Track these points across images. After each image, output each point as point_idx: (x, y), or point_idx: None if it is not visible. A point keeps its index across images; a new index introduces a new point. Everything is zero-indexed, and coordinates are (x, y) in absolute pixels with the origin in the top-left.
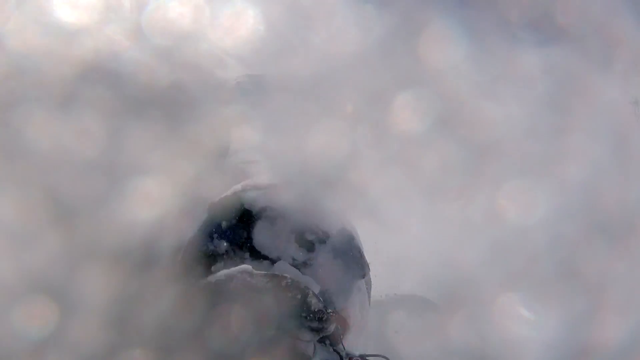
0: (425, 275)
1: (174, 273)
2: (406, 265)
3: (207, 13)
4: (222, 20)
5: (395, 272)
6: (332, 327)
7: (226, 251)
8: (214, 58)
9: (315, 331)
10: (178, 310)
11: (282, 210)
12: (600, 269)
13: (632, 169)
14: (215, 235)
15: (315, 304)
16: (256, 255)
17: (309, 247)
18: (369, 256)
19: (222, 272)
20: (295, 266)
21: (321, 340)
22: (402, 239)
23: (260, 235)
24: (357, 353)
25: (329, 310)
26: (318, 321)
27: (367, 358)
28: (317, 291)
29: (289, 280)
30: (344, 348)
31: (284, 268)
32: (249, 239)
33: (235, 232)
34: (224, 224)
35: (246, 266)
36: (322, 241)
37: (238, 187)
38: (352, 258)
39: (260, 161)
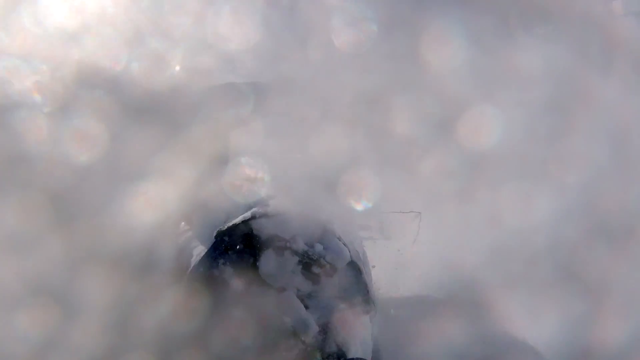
0: (426, 278)
1: (176, 292)
2: (407, 268)
3: (206, 17)
4: (221, 24)
5: (397, 275)
6: None
7: (232, 277)
8: (213, 62)
9: None
10: (177, 316)
11: (290, 240)
12: (600, 271)
13: (632, 171)
14: (221, 261)
15: None
16: (262, 283)
17: (315, 280)
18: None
19: None
20: (300, 297)
21: None
22: (403, 242)
23: (267, 264)
24: None
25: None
26: None
27: None
28: (315, 331)
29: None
30: None
31: (289, 299)
32: (256, 267)
33: (242, 259)
34: (231, 251)
35: None
36: (329, 275)
37: (247, 214)
38: (357, 294)
39: (260, 171)
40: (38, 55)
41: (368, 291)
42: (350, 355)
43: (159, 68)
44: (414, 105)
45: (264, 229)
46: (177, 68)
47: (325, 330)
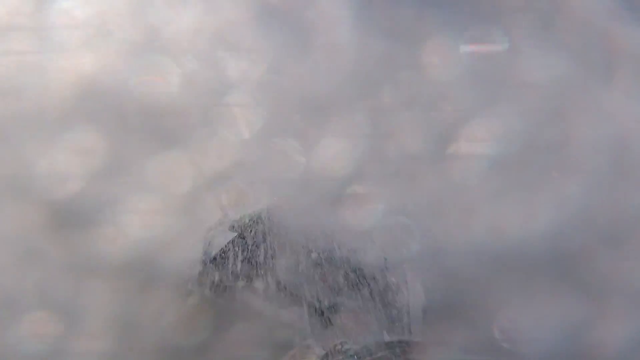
0: (429, 285)
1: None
2: (409, 278)
3: (206, 33)
4: (221, 39)
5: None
6: None
7: (248, 276)
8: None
9: None
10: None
11: (309, 248)
12: (601, 277)
13: (632, 178)
14: (240, 257)
15: None
16: (279, 290)
17: (334, 282)
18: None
19: None
20: (321, 309)
21: None
22: (406, 251)
23: (285, 271)
24: None
25: None
26: None
27: None
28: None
29: None
30: None
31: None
32: (274, 275)
33: (257, 257)
34: (246, 249)
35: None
36: (353, 285)
37: (262, 206)
38: (385, 310)
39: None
40: (36, 68)
41: (392, 291)
42: None
43: (158, 83)
44: (415, 114)
45: (281, 234)
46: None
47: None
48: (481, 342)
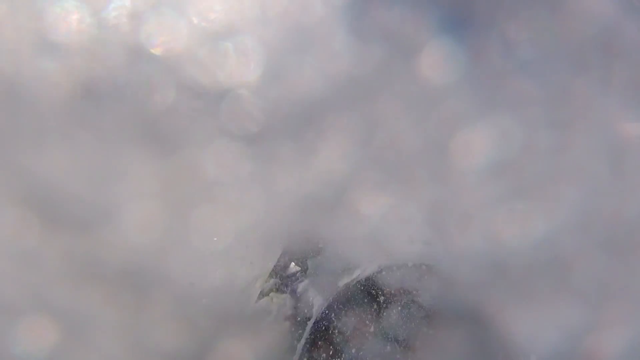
0: (428, 291)
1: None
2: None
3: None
4: (220, 46)
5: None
6: None
7: (354, 329)
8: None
9: None
10: None
11: (415, 295)
12: (600, 284)
13: (631, 185)
14: (344, 312)
15: None
16: (385, 336)
17: (436, 329)
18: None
19: None
20: (416, 347)
21: None
22: (402, 260)
23: (392, 318)
24: None
25: None
26: None
27: None
28: None
29: None
30: None
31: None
32: (379, 319)
33: (366, 311)
34: (355, 304)
35: None
36: (451, 327)
37: (375, 266)
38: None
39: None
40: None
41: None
42: None
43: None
44: (412, 121)
45: (389, 281)
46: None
47: None
48: (480, 348)
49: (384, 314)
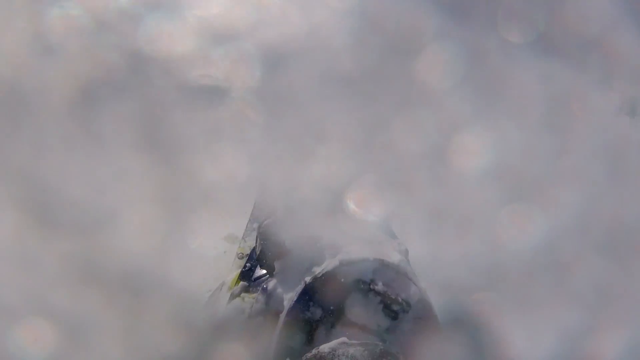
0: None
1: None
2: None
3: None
4: (220, 49)
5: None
6: None
7: (321, 319)
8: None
9: None
10: None
11: (372, 283)
12: (598, 288)
13: (629, 188)
14: (311, 304)
15: None
16: (346, 322)
17: (394, 316)
18: None
19: (325, 346)
20: (380, 332)
21: None
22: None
23: (354, 306)
24: None
25: None
26: None
27: None
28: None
29: (382, 347)
30: None
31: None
32: (342, 308)
33: (330, 302)
34: (319, 295)
35: (343, 338)
36: (405, 311)
37: (336, 261)
38: (431, 325)
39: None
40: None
41: (438, 323)
42: None
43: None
44: (409, 124)
45: (348, 274)
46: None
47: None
48: (478, 353)
49: (346, 302)
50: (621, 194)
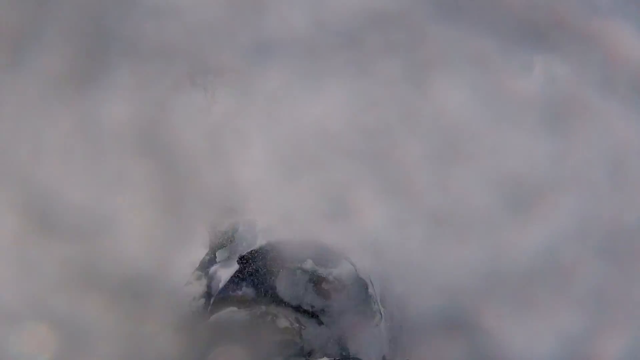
0: (427, 302)
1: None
2: (408, 292)
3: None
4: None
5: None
6: None
7: (253, 297)
8: None
9: None
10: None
11: (301, 262)
12: (597, 290)
13: (629, 191)
14: (244, 284)
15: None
16: (280, 302)
17: (326, 295)
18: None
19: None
20: (314, 312)
21: None
22: (403, 267)
23: (282, 285)
24: None
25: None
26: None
27: None
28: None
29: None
30: None
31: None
32: (274, 287)
33: (262, 281)
34: (252, 275)
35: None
36: (338, 290)
37: (263, 241)
38: (366, 306)
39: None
40: None
41: (376, 302)
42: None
43: None
44: (413, 130)
45: (278, 254)
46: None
47: (339, 343)
48: (478, 358)
49: (276, 281)
50: (621, 199)
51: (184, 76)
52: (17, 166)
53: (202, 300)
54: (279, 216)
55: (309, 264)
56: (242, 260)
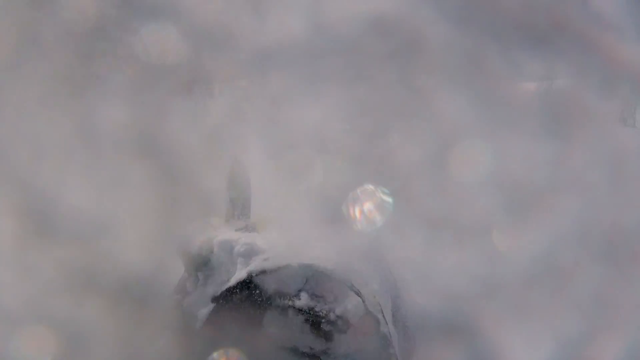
0: (425, 305)
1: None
2: (406, 298)
3: None
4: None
5: (395, 304)
6: None
7: (239, 339)
8: None
9: None
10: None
11: (293, 298)
12: (596, 295)
13: (628, 194)
14: (228, 322)
15: None
16: (272, 344)
17: (328, 336)
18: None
19: None
20: (314, 355)
21: None
22: (400, 273)
23: (272, 326)
24: None
25: None
26: None
27: None
28: None
29: None
30: None
31: None
32: (260, 329)
33: (248, 321)
34: (236, 313)
35: None
36: (342, 330)
37: (243, 273)
38: (377, 347)
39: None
40: None
41: (389, 344)
42: None
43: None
44: (411, 134)
45: (264, 287)
46: None
47: None
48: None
49: (263, 321)
50: (620, 202)
51: (183, 80)
52: (15, 169)
53: (178, 336)
54: (278, 224)
55: (303, 300)
56: (217, 300)
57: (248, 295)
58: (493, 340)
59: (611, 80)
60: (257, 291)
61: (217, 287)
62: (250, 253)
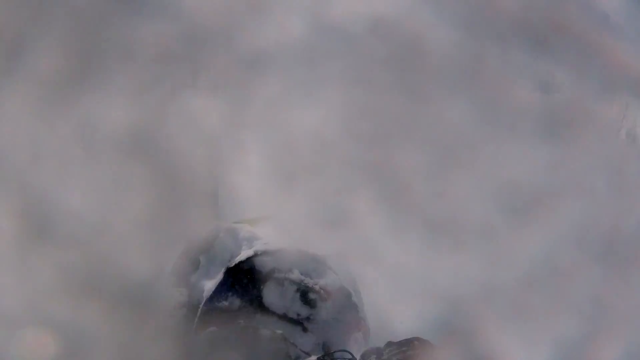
0: (422, 312)
1: (188, 323)
2: (403, 302)
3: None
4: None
5: (393, 309)
6: None
7: (239, 307)
8: None
9: None
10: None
11: (288, 272)
12: (596, 299)
13: (628, 198)
14: (230, 294)
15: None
16: (266, 311)
17: (312, 304)
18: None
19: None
20: (300, 320)
21: None
22: (399, 277)
23: (270, 295)
24: None
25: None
26: None
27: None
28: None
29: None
30: None
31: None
32: (260, 297)
33: (248, 291)
34: (237, 285)
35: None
36: (324, 299)
37: (250, 252)
38: (349, 313)
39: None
40: None
41: (358, 310)
42: None
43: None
44: (410, 137)
45: (265, 264)
46: None
47: (323, 347)
48: None
49: (263, 291)
50: (620, 206)
51: (182, 82)
52: (14, 171)
53: (185, 310)
54: (275, 223)
55: (295, 274)
56: (230, 271)
57: (252, 269)
58: (492, 342)
59: (612, 84)
60: (261, 265)
61: (221, 266)
62: (253, 238)
